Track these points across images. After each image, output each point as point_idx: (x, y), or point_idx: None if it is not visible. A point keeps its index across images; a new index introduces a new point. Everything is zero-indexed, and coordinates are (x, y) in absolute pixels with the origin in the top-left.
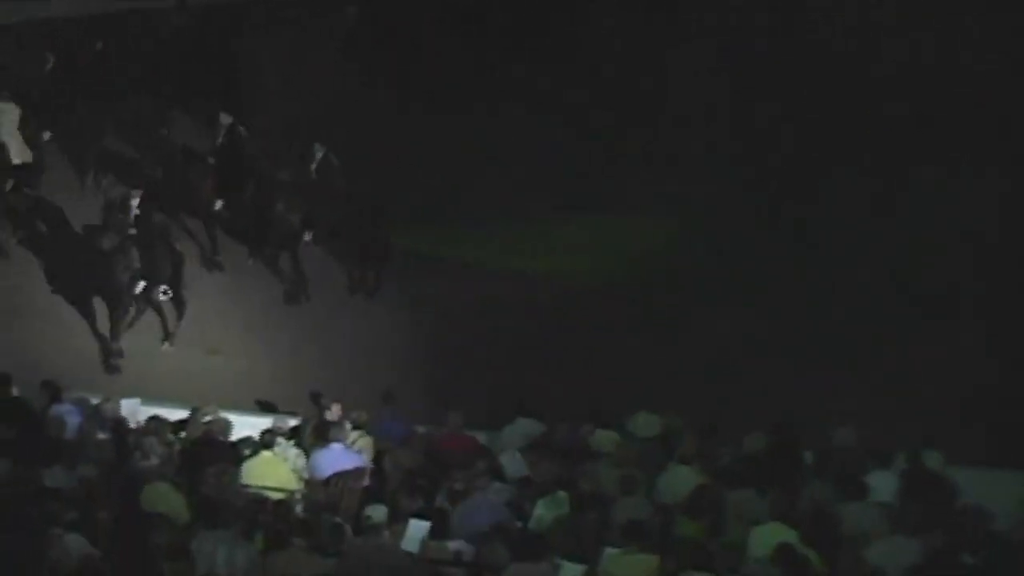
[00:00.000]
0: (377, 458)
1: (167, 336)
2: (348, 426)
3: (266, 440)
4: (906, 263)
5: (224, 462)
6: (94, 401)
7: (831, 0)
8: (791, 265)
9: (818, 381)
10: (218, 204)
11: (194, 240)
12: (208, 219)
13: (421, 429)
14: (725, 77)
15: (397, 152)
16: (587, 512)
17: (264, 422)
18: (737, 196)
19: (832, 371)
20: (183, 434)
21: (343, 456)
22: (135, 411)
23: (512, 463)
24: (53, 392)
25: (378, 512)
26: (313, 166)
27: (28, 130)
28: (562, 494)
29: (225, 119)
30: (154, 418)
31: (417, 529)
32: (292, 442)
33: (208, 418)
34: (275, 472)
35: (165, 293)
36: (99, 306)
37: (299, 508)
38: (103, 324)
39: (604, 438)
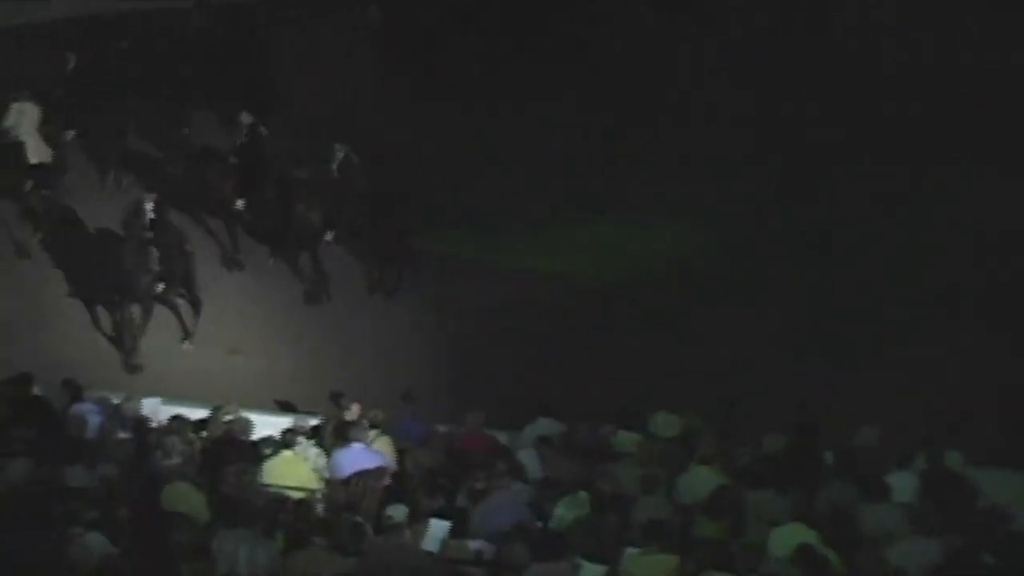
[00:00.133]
0: (398, 457)
1: (186, 335)
2: (366, 425)
3: (287, 439)
4: (919, 262)
5: (244, 461)
6: (115, 400)
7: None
8: (807, 265)
9: (835, 381)
10: (239, 204)
11: (215, 240)
12: (229, 219)
13: (442, 429)
14: (726, 77)
15: (417, 152)
16: (607, 512)
17: (284, 421)
18: (751, 196)
19: (850, 371)
20: (204, 433)
21: (363, 455)
22: (156, 410)
23: (532, 463)
24: (74, 391)
25: (398, 511)
26: (334, 166)
27: (49, 130)
28: (583, 494)
29: (246, 119)
30: (176, 417)
31: (437, 528)
32: (312, 441)
33: (229, 417)
34: (295, 471)
35: (182, 295)
36: (107, 308)
37: (319, 507)
38: (119, 326)
39: (625, 439)
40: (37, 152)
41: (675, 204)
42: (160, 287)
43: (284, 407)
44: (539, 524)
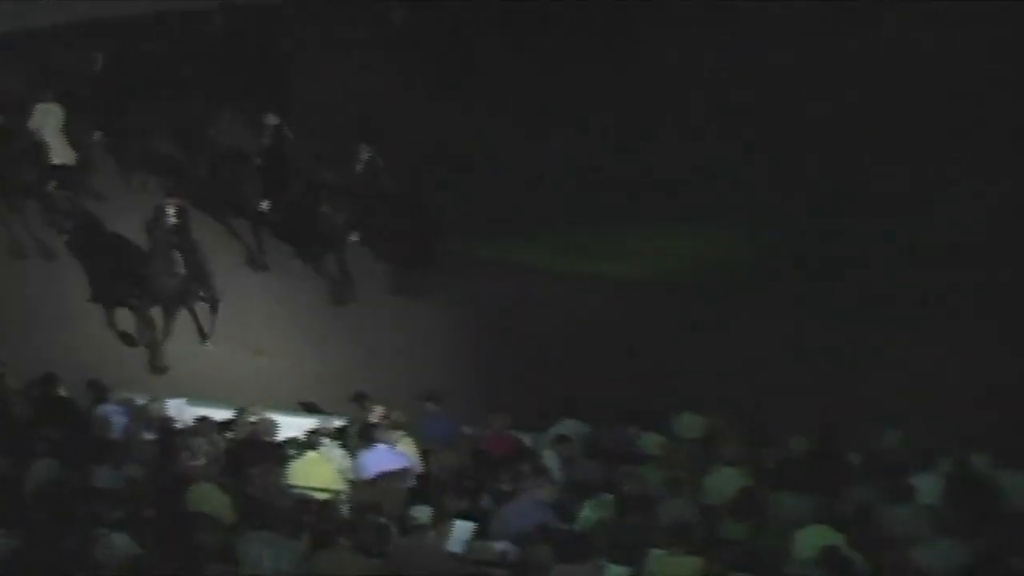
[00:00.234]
0: (422, 459)
1: (205, 337)
2: (390, 427)
3: (311, 441)
4: (952, 265)
5: (269, 463)
6: (140, 401)
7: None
8: (831, 269)
9: (861, 383)
10: (264, 205)
11: (240, 241)
12: (254, 220)
13: (467, 430)
14: (765, 84)
15: (442, 153)
16: (632, 514)
17: (309, 423)
18: (777, 203)
19: (872, 373)
20: (229, 434)
21: (388, 456)
22: (181, 411)
23: (555, 464)
24: (99, 392)
25: (423, 513)
26: (359, 167)
27: (74, 131)
28: (607, 496)
29: (271, 120)
30: (201, 419)
31: (462, 530)
32: (337, 443)
33: (253, 419)
34: (320, 473)
35: (202, 297)
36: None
37: (344, 508)
38: (142, 328)
39: (650, 440)
40: (60, 153)
41: (717, 210)
42: (184, 289)
43: (309, 408)
44: (564, 526)
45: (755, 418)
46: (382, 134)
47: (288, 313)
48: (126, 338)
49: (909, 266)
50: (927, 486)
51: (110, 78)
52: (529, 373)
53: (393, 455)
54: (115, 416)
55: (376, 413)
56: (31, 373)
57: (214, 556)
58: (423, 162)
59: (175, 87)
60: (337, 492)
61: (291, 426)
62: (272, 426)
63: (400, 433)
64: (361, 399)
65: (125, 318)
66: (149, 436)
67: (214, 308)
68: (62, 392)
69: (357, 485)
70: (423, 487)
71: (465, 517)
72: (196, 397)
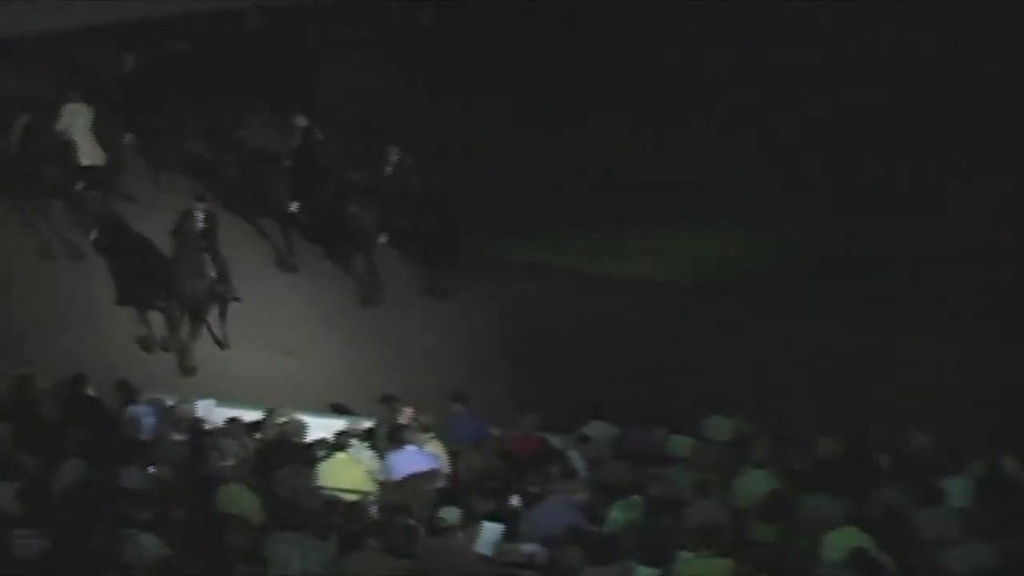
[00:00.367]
0: (451, 460)
1: (222, 344)
2: (419, 428)
3: (340, 442)
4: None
5: (299, 464)
6: (169, 402)
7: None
8: (859, 272)
9: (888, 386)
10: (293, 206)
11: (269, 242)
12: (283, 221)
13: (495, 431)
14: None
15: (471, 154)
16: (661, 516)
17: (338, 424)
18: (804, 207)
19: (900, 376)
20: (258, 435)
21: (417, 458)
22: (210, 412)
23: (582, 465)
24: (128, 393)
25: (451, 514)
26: (388, 168)
27: (103, 132)
28: (636, 498)
29: (301, 121)
30: (232, 420)
31: (490, 531)
32: (366, 444)
33: (283, 420)
34: (349, 474)
35: (236, 299)
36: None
37: (373, 510)
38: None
39: (679, 442)
40: (89, 154)
41: (746, 213)
42: (211, 291)
43: (338, 409)
44: (593, 527)
45: (784, 420)
46: (409, 135)
47: (317, 314)
48: (143, 342)
49: (927, 266)
50: (957, 489)
51: (140, 79)
52: (557, 374)
53: (422, 456)
54: (144, 417)
55: (405, 414)
56: (60, 374)
57: (243, 557)
58: (450, 163)
59: (205, 88)
60: (366, 493)
61: (320, 427)
62: (301, 427)
63: (428, 435)
64: (390, 400)
65: (154, 321)
66: (178, 437)
67: (223, 314)
68: (91, 393)
69: (386, 486)
70: (452, 488)
71: (493, 519)
72: (225, 398)
